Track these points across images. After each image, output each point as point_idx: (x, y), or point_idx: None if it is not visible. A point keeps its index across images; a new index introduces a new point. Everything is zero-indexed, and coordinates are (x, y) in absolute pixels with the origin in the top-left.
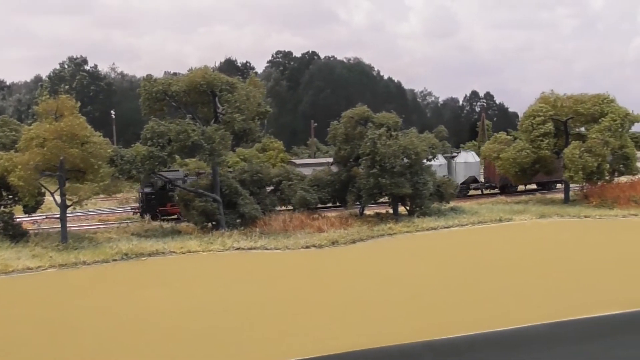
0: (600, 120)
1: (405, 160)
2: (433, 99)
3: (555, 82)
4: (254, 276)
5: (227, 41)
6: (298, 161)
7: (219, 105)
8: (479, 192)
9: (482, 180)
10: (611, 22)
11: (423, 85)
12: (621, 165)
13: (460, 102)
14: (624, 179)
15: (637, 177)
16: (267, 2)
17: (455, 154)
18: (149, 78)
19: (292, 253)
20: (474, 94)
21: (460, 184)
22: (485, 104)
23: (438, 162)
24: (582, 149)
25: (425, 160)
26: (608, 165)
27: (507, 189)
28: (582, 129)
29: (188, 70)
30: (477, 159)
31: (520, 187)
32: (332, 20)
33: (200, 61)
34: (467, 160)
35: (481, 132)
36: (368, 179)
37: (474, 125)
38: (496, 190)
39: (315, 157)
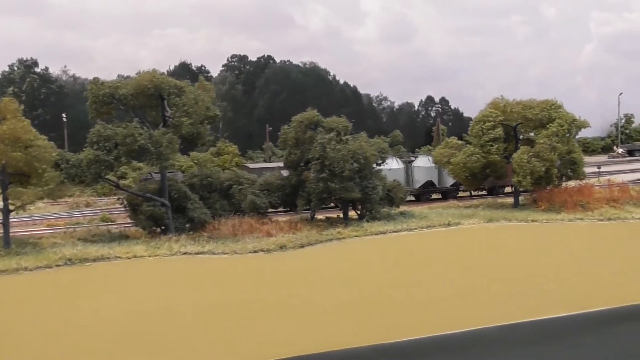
0: (548, 125)
1: (355, 164)
2: (389, 103)
3: (510, 87)
4: (200, 281)
5: (182, 44)
6: (252, 165)
7: (167, 108)
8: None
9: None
10: (564, 30)
11: (379, 90)
12: (569, 170)
13: (416, 107)
14: (572, 183)
15: (584, 181)
16: (222, 5)
17: (412, 158)
18: (95, 81)
19: (239, 257)
20: (430, 99)
21: (418, 187)
22: (440, 109)
23: (396, 166)
24: (530, 154)
25: (382, 165)
26: (556, 170)
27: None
28: (532, 134)
29: (136, 74)
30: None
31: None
32: (288, 25)
33: (155, 64)
34: (425, 164)
35: (436, 137)
36: (317, 184)
37: (430, 130)
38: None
39: (270, 162)
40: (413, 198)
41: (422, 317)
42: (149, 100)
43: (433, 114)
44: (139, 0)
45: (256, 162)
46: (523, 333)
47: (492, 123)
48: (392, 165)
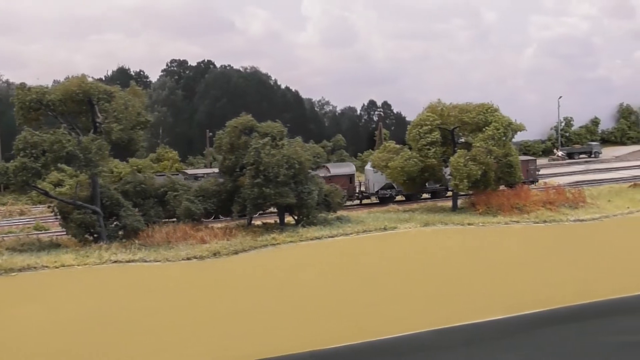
0: (484, 129)
1: (290, 169)
2: (331, 108)
3: (452, 91)
4: (131, 290)
5: (120, 49)
6: (189, 171)
7: (98, 114)
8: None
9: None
10: (504, 34)
11: (321, 94)
12: (505, 173)
13: (358, 112)
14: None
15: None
16: (161, 10)
17: None
18: (22, 86)
19: (172, 265)
20: (372, 103)
21: (378, 190)
22: (382, 113)
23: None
24: (467, 157)
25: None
26: (494, 174)
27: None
28: (469, 137)
29: (65, 79)
30: None
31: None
32: (228, 29)
33: (92, 69)
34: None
35: (379, 141)
36: (252, 189)
37: (372, 134)
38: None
39: (211, 167)
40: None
41: (357, 323)
42: (78, 106)
43: (375, 118)
44: (74, 5)
45: (197, 168)
46: (458, 336)
47: (430, 127)
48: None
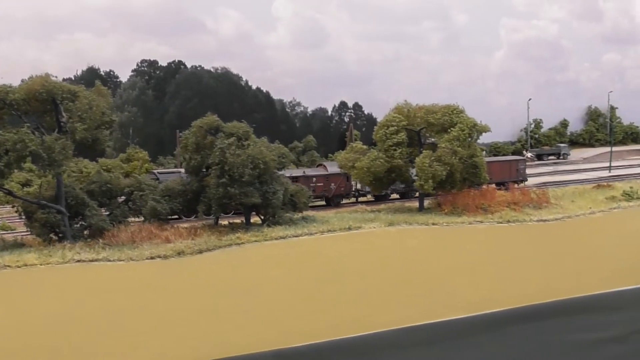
0: (449, 130)
1: (255, 169)
2: (302, 109)
3: (422, 93)
4: (94, 289)
5: (90, 49)
6: (159, 171)
7: (62, 114)
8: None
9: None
10: (475, 36)
11: (292, 95)
12: (471, 174)
13: (329, 113)
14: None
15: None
16: (131, 10)
17: None
18: None
19: (135, 264)
20: (343, 104)
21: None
22: (353, 114)
23: None
24: (432, 158)
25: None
26: (459, 174)
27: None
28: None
29: (28, 78)
30: None
31: None
32: (199, 30)
33: (61, 69)
34: None
35: (349, 142)
36: (217, 189)
37: (343, 135)
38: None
39: (182, 167)
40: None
41: (322, 322)
42: (42, 105)
43: (346, 119)
44: (43, 4)
45: (167, 168)
46: (421, 336)
47: (396, 128)
48: None
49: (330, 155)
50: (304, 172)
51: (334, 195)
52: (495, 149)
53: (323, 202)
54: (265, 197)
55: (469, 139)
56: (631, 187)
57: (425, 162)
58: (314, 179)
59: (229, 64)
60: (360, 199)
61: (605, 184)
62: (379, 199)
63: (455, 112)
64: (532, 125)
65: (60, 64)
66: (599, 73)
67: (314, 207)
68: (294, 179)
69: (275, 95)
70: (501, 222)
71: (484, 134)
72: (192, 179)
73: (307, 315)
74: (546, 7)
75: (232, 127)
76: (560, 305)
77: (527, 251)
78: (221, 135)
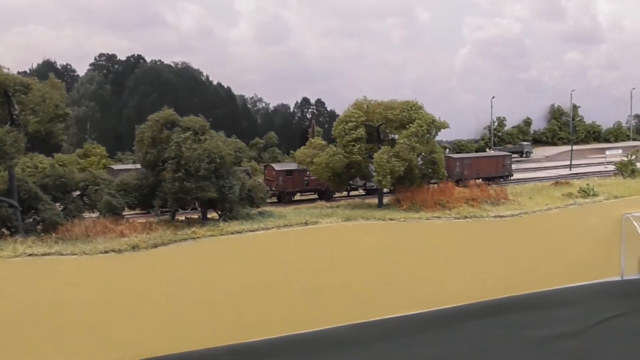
0: (408, 126)
1: (211, 164)
2: (264, 105)
3: (386, 89)
4: (46, 283)
5: (46, 42)
6: (116, 167)
7: (15, 106)
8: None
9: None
10: (438, 34)
11: (254, 91)
12: (430, 170)
13: (292, 109)
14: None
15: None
16: (88, 3)
17: None
18: None
19: (89, 258)
20: (305, 100)
21: (365, 182)
22: (316, 111)
23: None
24: (391, 154)
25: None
26: (418, 170)
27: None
28: (395, 135)
29: None
30: None
31: None
32: (159, 24)
33: (15, 63)
34: None
35: (312, 139)
36: (173, 183)
37: (306, 132)
38: (315, 196)
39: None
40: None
41: (276, 317)
42: None
43: (309, 116)
44: None
45: (125, 164)
46: (377, 330)
47: (355, 123)
48: None
49: (292, 151)
50: (298, 165)
51: (327, 189)
52: (459, 147)
53: (316, 196)
54: (222, 192)
55: (428, 135)
56: (587, 184)
57: (384, 158)
58: (308, 173)
59: (190, 59)
60: (352, 193)
61: (563, 181)
62: (370, 192)
63: (413, 108)
64: (496, 123)
65: (14, 56)
66: (561, 72)
67: (307, 201)
68: (288, 173)
69: (236, 91)
70: (458, 218)
71: (443, 130)
72: (148, 173)
73: (262, 310)
74: (509, 5)
75: (188, 121)
76: (515, 301)
77: (483, 247)
78: (177, 129)
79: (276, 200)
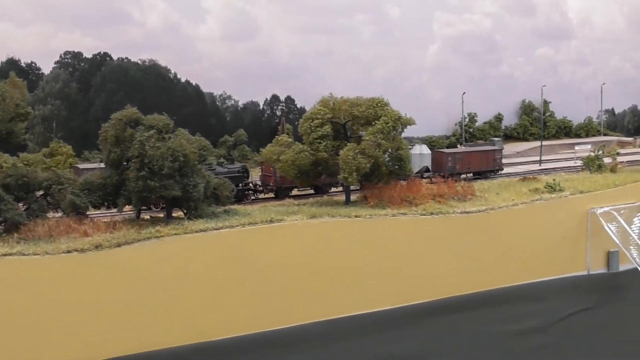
0: (373, 123)
1: (175, 162)
2: (233, 102)
3: (356, 86)
4: (7, 284)
5: (10, 40)
6: (82, 166)
7: None
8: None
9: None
10: (408, 30)
11: (222, 88)
12: (396, 167)
13: (261, 106)
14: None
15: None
16: (54, 0)
17: (410, 147)
18: None
19: (51, 258)
20: (275, 97)
21: (415, 173)
22: (285, 108)
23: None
24: (357, 151)
25: None
26: (385, 167)
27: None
28: (363, 133)
29: None
30: (429, 151)
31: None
32: (125, 21)
33: None
34: (422, 152)
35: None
36: (137, 182)
37: (275, 129)
38: (311, 191)
39: None
40: None
41: (243, 315)
42: None
43: (278, 113)
44: None
45: (92, 163)
46: (345, 327)
47: (320, 120)
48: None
49: (262, 149)
50: None
51: (323, 184)
52: (430, 143)
53: (312, 191)
54: (186, 190)
55: (394, 132)
56: (554, 180)
57: (349, 155)
58: None
59: (157, 56)
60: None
61: (531, 176)
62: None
63: (379, 105)
64: (467, 119)
65: None
66: (532, 67)
67: (301, 196)
68: None
69: (205, 89)
70: (425, 214)
71: (414, 127)
72: (112, 172)
73: (229, 308)
74: (479, 1)
75: (152, 119)
76: (483, 297)
77: (450, 243)
78: (141, 128)
79: (273, 196)
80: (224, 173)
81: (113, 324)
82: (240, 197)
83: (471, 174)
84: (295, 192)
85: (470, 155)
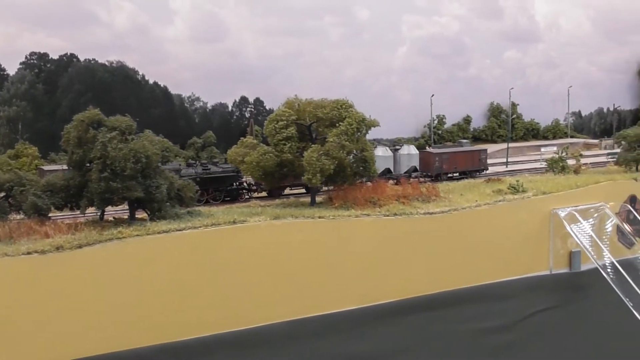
0: (338, 124)
1: (137, 163)
2: (201, 104)
3: (325, 88)
4: None
5: None
6: (47, 167)
7: None
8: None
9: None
10: (377, 32)
11: (191, 90)
12: (361, 168)
13: (230, 108)
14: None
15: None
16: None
17: (398, 147)
18: None
19: (10, 260)
20: (244, 99)
21: (404, 172)
22: (254, 110)
23: (385, 154)
24: (321, 152)
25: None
26: (350, 168)
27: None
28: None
29: None
30: (417, 151)
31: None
32: (92, 22)
33: None
34: (410, 152)
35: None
36: (99, 183)
37: (244, 131)
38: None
39: None
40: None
41: (206, 316)
42: None
43: (247, 115)
44: None
45: (58, 164)
46: (310, 328)
47: (285, 122)
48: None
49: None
50: None
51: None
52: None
53: (304, 191)
54: (149, 192)
55: (358, 134)
56: (517, 181)
57: (313, 157)
58: None
59: (125, 58)
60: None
61: (495, 178)
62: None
63: (344, 106)
64: (436, 121)
65: None
66: (500, 70)
67: (297, 195)
68: None
69: (173, 90)
70: (388, 215)
71: (382, 128)
72: (74, 173)
73: (193, 309)
74: (447, 3)
75: (114, 121)
76: (447, 297)
77: (413, 243)
78: (103, 129)
79: (266, 195)
80: (219, 172)
81: (75, 325)
82: (235, 196)
83: (457, 174)
84: (287, 191)
85: (457, 155)
